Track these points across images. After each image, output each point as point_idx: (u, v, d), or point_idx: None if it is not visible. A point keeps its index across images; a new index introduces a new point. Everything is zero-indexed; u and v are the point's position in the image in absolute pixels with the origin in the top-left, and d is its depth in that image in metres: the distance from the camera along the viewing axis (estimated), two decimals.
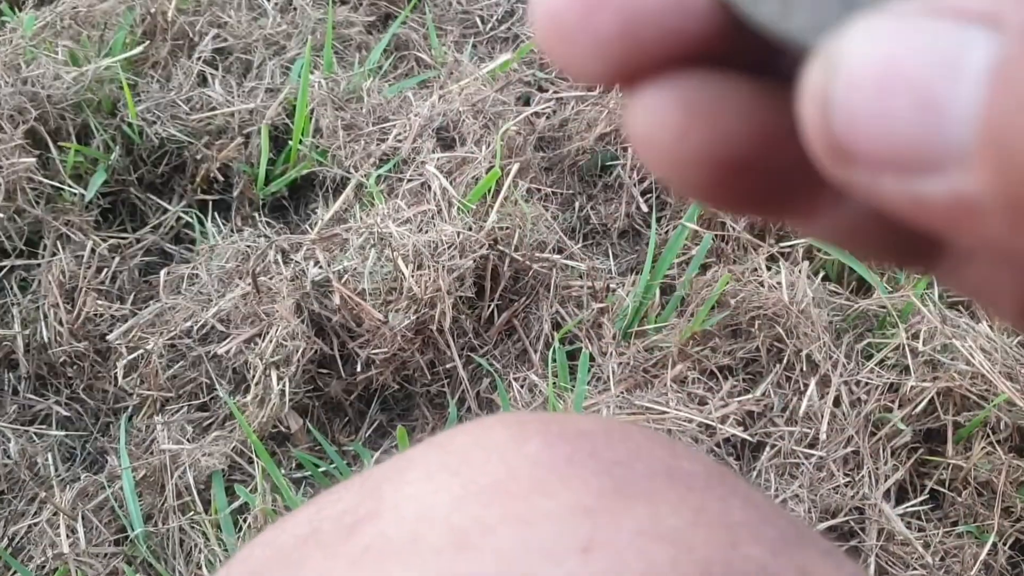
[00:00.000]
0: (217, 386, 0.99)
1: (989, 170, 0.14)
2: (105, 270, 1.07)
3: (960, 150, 0.14)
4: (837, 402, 0.98)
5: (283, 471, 0.96)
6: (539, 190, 1.14)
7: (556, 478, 0.27)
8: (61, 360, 1.02)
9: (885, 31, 0.14)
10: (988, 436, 0.98)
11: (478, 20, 1.36)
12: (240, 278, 1.02)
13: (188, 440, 0.97)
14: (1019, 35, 0.13)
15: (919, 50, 0.14)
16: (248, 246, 1.05)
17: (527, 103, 1.23)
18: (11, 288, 1.06)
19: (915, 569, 0.92)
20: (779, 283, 1.03)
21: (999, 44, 0.13)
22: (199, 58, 1.21)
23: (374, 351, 0.99)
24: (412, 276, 0.97)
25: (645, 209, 1.15)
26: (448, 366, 1.02)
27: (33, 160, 1.07)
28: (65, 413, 1.02)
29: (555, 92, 1.26)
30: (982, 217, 0.14)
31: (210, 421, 0.99)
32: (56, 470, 0.98)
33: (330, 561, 0.28)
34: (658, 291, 1.05)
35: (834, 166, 0.15)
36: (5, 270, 1.07)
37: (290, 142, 1.15)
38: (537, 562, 0.24)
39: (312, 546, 0.29)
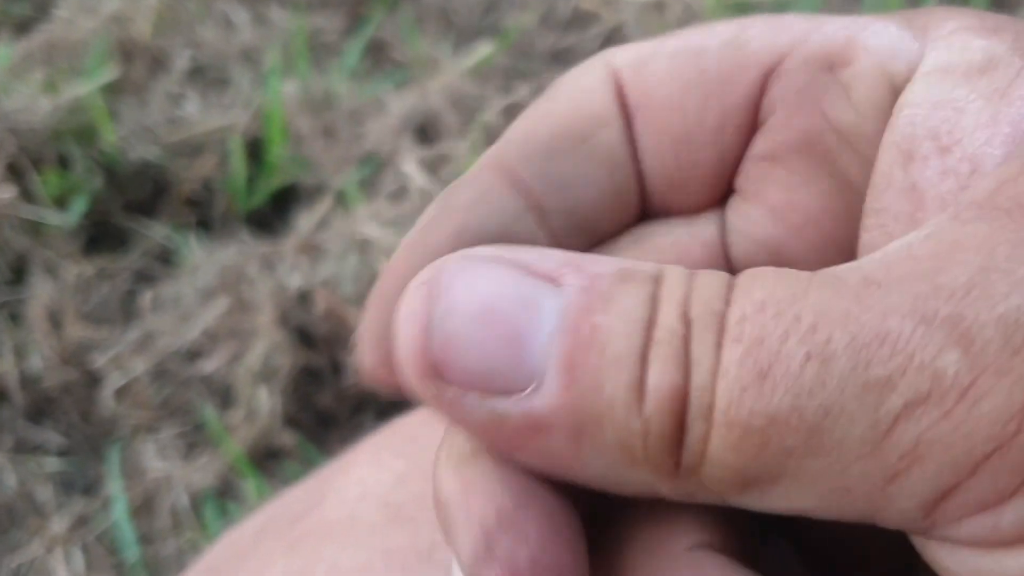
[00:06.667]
0: (204, 405, 0.98)
1: (560, 392, 0.17)
2: (92, 295, 1.07)
3: (536, 378, 0.17)
4: None
5: (279, 485, 0.95)
6: None
7: None
8: (53, 389, 1.02)
9: (482, 274, 0.17)
10: None
11: (455, 16, 1.34)
12: (223, 292, 1.01)
13: (181, 460, 0.96)
14: (578, 290, 0.17)
15: (507, 295, 0.17)
16: (230, 261, 1.04)
17: (509, 94, 1.21)
18: (1, 321, 1.06)
19: None
20: None
21: (562, 297, 0.17)
22: (175, 79, 1.20)
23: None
24: None
25: None
26: None
27: (15, 191, 1.08)
28: (60, 441, 1.02)
29: (537, 81, 1.24)
30: (548, 433, 0.17)
31: (201, 441, 0.99)
32: (53, 499, 0.97)
33: (273, 551, 0.29)
34: None
35: (423, 381, 0.18)
36: None
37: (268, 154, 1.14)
38: None
39: (262, 538, 0.31)
